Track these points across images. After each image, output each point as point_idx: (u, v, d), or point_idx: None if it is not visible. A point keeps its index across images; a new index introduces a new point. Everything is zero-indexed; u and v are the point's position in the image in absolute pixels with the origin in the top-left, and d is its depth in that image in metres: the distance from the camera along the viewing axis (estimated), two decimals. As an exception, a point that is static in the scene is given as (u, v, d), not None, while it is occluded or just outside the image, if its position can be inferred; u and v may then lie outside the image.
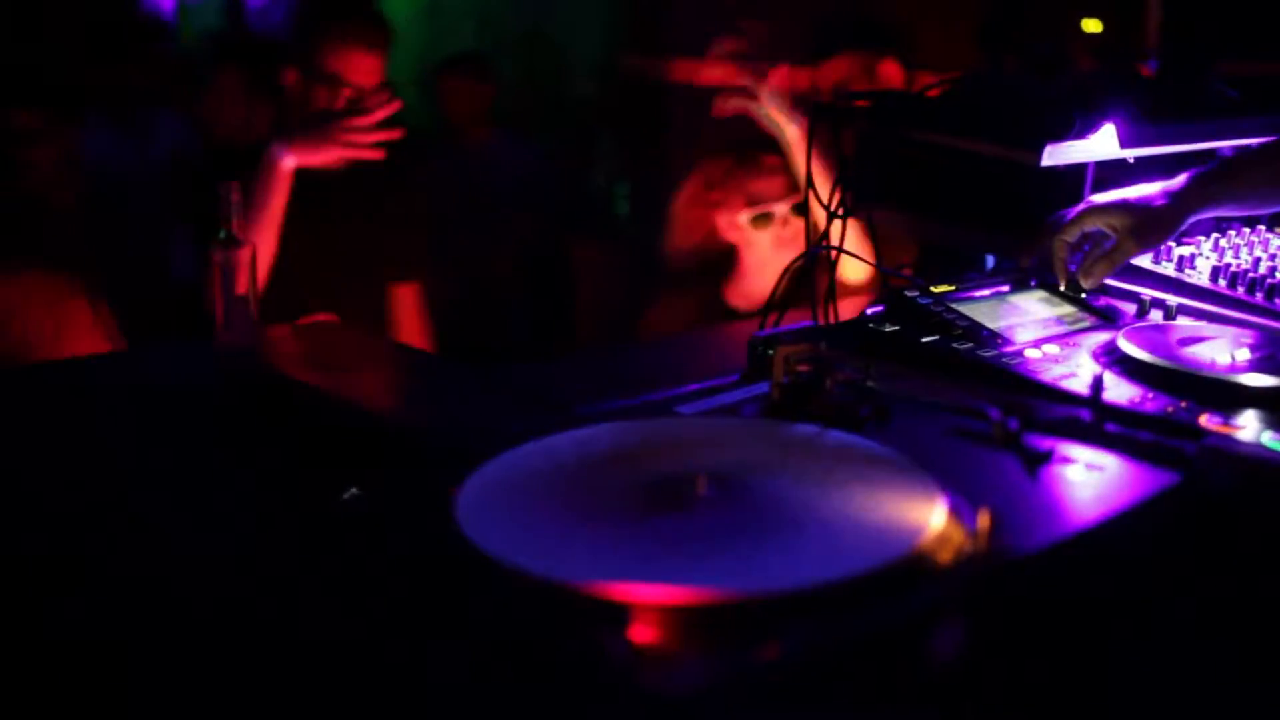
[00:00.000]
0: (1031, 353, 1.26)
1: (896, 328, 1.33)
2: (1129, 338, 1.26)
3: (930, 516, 0.84)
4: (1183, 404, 1.10)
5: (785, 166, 2.49)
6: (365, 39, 2.63)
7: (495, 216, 3.94)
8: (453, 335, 3.38)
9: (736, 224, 2.54)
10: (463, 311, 3.36)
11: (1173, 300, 1.45)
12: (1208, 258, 1.55)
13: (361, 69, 2.61)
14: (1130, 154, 1.58)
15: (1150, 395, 1.13)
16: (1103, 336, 1.33)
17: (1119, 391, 1.14)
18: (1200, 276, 1.49)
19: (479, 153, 4.09)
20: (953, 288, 1.43)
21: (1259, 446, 0.99)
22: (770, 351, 1.16)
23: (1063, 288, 1.48)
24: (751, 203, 2.52)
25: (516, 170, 4.22)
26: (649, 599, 0.74)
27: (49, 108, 2.62)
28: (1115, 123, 1.52)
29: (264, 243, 2.40)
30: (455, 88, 4.20)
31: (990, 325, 1.34)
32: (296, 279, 2.48)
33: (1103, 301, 1.47)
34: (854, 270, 2.35)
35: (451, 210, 3.69)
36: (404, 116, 2.60)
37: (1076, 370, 1.21)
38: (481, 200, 3.88)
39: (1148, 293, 1.48)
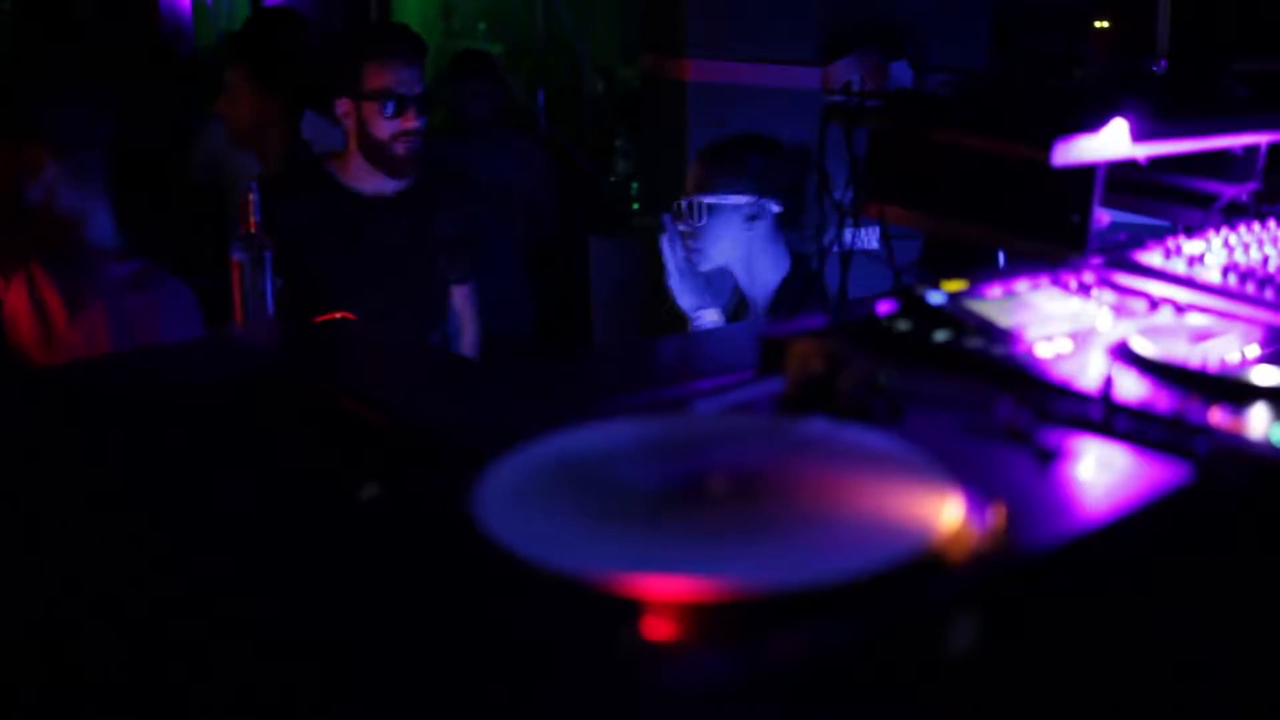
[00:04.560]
0: (1042, 350, 1.27)
1: (908, 325, 1.34)
2: (1139, 335, 1.26)
3: (944, 513, 0.85)
4: (1193, 401, 1.11)
5: None
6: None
7: (509, 216, 3.95)
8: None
9: None
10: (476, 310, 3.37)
11: (1182, 297, 1.45)
12: (1217, 254, 1.55)
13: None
14: (1143, 151, 1.58)
15: (1160, 392, 1.14)
16: (1114, 334, 1.33)
17: (1129, 388, 1.14)
18: (1210, 273, 1.50)
19: (494, 152, 4.10)
20: (965, 285, 1.44)
21: (1269, 443, 1.00)
22: (783, 349, 1.17)
23: None
24: None
25: (530, 169, 4.23)
26: (664, 594, 0.75)
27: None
28: (1127, 117, 1.52)
29: None
30: (469, 88, 4.21)
31: (1002, 323, 1.34)
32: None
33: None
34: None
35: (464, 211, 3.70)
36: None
37: (1087, 367, 1.22)
38: (495, 200, 3.89)
39: (1157, 290, 1.48)
